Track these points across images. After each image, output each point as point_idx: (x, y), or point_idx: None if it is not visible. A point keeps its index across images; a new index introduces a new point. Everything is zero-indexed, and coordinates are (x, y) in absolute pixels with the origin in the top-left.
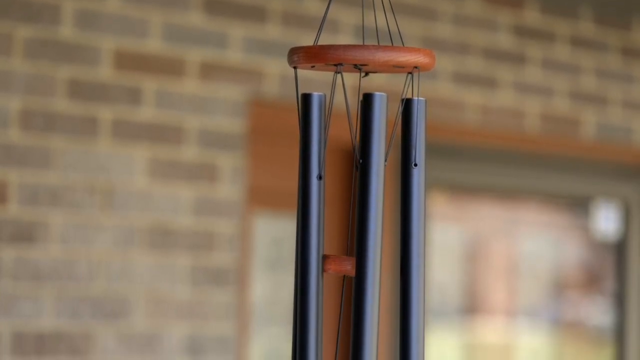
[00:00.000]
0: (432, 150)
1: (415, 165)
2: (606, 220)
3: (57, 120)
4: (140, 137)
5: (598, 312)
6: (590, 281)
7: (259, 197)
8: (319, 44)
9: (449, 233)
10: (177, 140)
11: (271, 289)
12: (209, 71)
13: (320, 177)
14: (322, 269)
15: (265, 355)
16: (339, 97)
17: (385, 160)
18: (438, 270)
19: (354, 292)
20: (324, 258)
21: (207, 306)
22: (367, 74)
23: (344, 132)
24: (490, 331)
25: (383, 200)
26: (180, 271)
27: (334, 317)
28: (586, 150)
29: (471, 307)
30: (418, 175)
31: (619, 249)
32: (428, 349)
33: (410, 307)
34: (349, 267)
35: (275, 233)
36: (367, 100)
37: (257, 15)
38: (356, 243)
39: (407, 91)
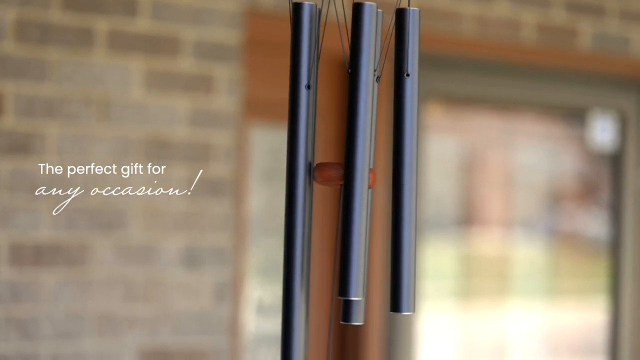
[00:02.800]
0: (429, 61)
1: (408, 75)
2: (603, 132)
3: (52, 32)
4: (136, 49)
5: (594, 224)
6: (587, 192)
7: (255, 109)
8: None
9: (445, 144)
10: (173, 51)
11: (268, 200)
12: None
13: (308, 87)
14: (311, 178)
15: (262, 266)
16: (334, 8)
17: (376, 70)
18: (434, 181)
19: (343, 200)
20: (313, 166)
21: (204, 218)
22: None
23: (337, 43)
24: (487, 242)
25: (373, 109)
26: (177, 182)
27: (324, 227)
28: (583, 61)
29: (467, 218)
30: (411, 85)
31: (615, 161)
32: (424, 261)
33: (402, 214)
34: (337, 175)
35: (271, 144)
36: (357, 10)
37: None
38: (345, 152)
39: (401, 1)
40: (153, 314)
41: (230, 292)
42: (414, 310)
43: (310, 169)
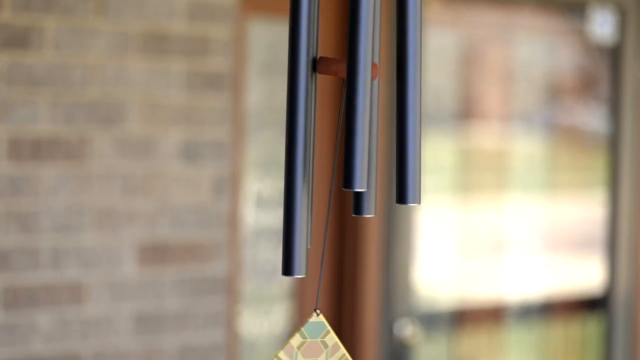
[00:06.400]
0: None
1: None
2: (602, 25)
3: None
4: None
5: (593, 118)
6: (585, 86)
7: (254, 2)
8: None
9: (443, 38)
10: None
11: (266, 93)
12: None
13: None
14: (315, 71)
15: (260, 160)
16: None
17: None
18: (433, 75)
19: (347, 93)
20: (316, 59)
21: (202, 111)
22: None
23: None
24: (485, 136)
25: (376, 1)
26: (175, 76)
27: (327, 120)
28: None
29: (466, 112)
30: None
31: (614, 54)
32: (423, 155)
33: (407, 106)
34: (339, 68)
35: (270, 38)
36: None
37: None
38: (348, 44)
39: None
40: (152, 207)
41: (229, 185)
42: (419, 202)
43: (314, 62)
